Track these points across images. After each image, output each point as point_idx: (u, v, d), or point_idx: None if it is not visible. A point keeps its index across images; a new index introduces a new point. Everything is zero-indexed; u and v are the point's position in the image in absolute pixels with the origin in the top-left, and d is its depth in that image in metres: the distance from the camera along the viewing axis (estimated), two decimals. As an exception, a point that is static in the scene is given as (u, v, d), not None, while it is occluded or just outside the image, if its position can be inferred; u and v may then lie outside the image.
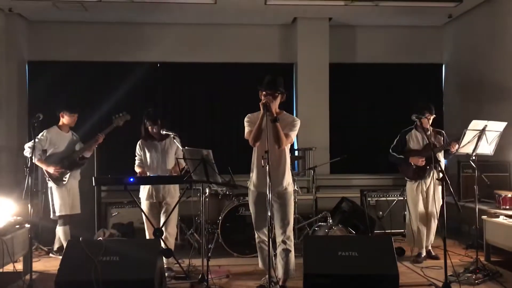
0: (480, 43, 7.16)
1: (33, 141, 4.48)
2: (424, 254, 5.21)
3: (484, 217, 5.13)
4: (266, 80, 4.02)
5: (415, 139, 5.24)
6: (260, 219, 4.11)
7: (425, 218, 5.18)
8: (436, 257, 5.18)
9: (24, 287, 3.99)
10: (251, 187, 4.18)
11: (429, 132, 5.01)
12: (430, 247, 5.29)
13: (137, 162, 4.89)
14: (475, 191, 4.66)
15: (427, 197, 5.16)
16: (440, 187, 4.92)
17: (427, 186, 5.15)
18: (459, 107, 7.75)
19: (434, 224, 5.19)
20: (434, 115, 5.10)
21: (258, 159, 4.05)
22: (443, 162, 5.13)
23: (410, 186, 5.29)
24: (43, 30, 7.63)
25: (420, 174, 5.15)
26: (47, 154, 5.35)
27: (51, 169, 5.26)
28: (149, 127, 4.81)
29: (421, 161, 5.08)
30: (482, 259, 4.86)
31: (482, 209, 5.30)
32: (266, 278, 4.03)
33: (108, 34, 7.74)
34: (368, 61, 8.18)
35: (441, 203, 4.61)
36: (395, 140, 5.36)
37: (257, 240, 4.22)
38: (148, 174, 4.80)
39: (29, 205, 4.18)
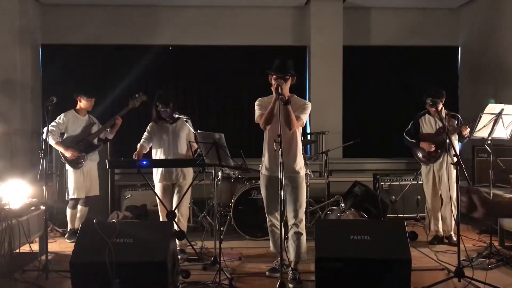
0: (496, 26, 7.00)
1: (49, 124, 4.49)
2: (440, 237, 5.17)
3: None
4: (276, 64, 4.00)
5: (428, 123, 5.21)
6: (272, 203, 4.12)
7: (438, 202, 5.15)
8: (455, 244, 5.05)
9: (40, 267, 4.05)
10: (263, 171, 4.17)
11: (443, 115, 4.95)
12: (452, 233, 5.14)
13: (141, 141, 4.83)
14: (490, 176, 4.60)
15: (439, 181, 5.12)
16: (455, 171, 4.86)
17: (438, 170, 5.12)
18: (475, 90, 7.62)
19: (449, 209, 5.08)
20: (442, 101, 5.01)
21: (269, 143, 4.04)
22: (457, 146, 5.07)
23: (423, 170, 5.31)
24: (57, 13, 7.64)
25: (430, 158, 5.15)
26: (64, 137, 5.38)
27: (68, 153, 5.27)
28: (161, 110, 4.78)
29: (430, 148, 5.08)
30: (496, 244, 4.81)
31: (497, 193, 5.22)
32: (278, 261, 4.05)
33: (121, 17, 7.73)
34: (383, 44, 8.07)
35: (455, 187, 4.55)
36: (410, 123, 5.34)
37: (268, 224, 4.23)
38: (159, 157, 4.79)
39: (43, 187, 4.23)
